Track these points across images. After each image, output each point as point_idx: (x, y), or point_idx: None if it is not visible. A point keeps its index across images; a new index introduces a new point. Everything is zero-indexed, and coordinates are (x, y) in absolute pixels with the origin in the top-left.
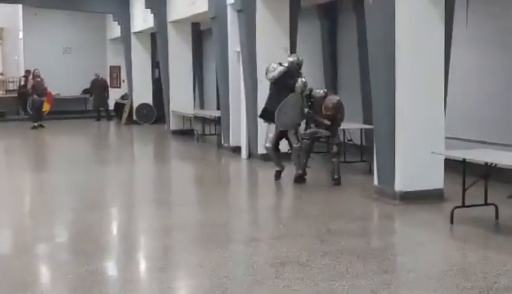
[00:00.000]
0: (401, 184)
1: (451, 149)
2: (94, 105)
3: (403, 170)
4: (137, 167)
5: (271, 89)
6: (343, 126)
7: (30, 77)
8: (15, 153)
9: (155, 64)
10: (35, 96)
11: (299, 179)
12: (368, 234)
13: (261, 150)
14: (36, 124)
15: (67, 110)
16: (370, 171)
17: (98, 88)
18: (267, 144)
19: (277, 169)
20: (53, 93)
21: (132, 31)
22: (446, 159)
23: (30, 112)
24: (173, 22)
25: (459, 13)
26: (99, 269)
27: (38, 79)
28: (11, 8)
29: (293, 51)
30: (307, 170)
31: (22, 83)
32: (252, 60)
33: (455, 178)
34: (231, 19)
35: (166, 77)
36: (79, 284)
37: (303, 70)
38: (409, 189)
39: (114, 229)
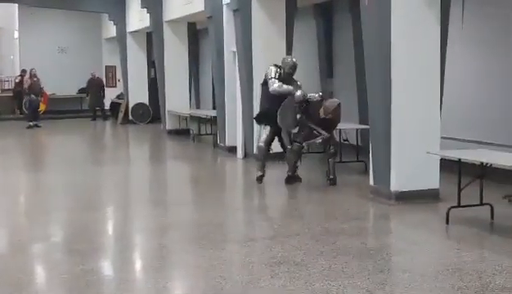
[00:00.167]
0: (396, 184)
1: (447, 149)
2: (90, 105)
3: (399, 170)
4: (133, 167)
5: (263, 90)
6: (339, 126)
7: (27, 76)
8: (11, 153)
9: (151, 64)
10: (32, 96)
11: (289, 180)
12: (364, 234)
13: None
14: (32, 124)
15: (62, 110)
16: (366, 171)
17: (94, 88)
18: (260, 144)
19: (260, 173)
20: (49, 93)
21: (128, 30)
22: (441, 159)
23: (26, 111)
24: (169, 21)
25: (454, 13)
26: (94, 269)
27: (35, 79)
28: (7, 8)
29: (289, 51)
30: (297, 171)
31: (17, 81)
32: (248, 59)
33: (450, 178)
34: (227, 18)
35: (162, 76)
36: (75, 284)
37: (299, 71)
38: (404, 189)
39: (110, 228)
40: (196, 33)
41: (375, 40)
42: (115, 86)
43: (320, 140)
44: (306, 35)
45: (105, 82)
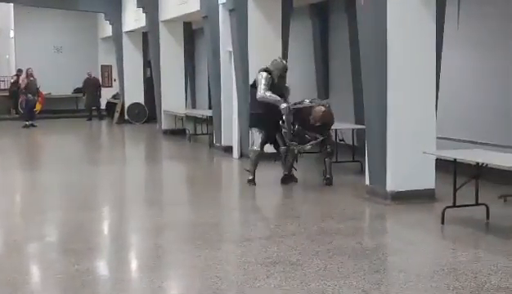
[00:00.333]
0: (392, 184)
1: (443, 149)
2: (86, 104)
3: (395, 170)
4: (129, 167)
5: (252, 93)
6: (335, 126)
7: (23, 75)
8: (7, 153)
9: (147, 64)
10: (29, 95)
11: (285, 179)
12: (359, 234)
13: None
14: (28, 123)
15: (58, 110)
16: (362, 171)
17: (91, 87)
18: (255, 148)
19: (251, 177)
20: (44, 92)
21: (124, 30)
22: (437, 159)
23: (21, 111)
24: (165, 21)
25: (450, 13)
26: (90, 269)
27: (32, 78)
28: (2, 7)
29: (285, 51)
30: (293, 171)
31: (12, 81)
32: (244, 59)
33: (446, 178)
34: (223, 18)
35: (158, 76)
36: (70, 284)
37: (296, 71)
38: (400, 189)
39: (106, 228)
40: (192, 33)
41: (371, 40)
42: (111, 86)
43: (309, 147)
44: (302, 35)
45: (101, 82)
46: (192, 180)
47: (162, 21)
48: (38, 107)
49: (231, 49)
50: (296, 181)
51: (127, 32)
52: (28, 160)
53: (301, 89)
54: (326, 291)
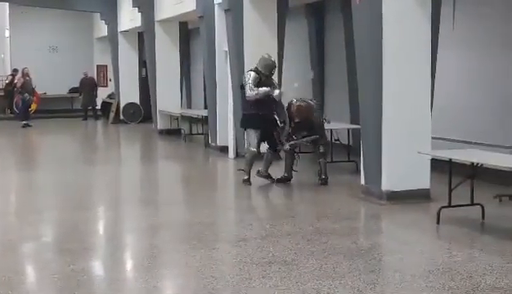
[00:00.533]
0: (387, 184)
1: (438, 149)
2: (83, 104)
3: (390, 170)
4: (124, 167)
5: (242, 94)
6: (331, 126)
7: (19, 75)
8: (2, 153)
9: (142, 64)
10: (26, 95)
11: (281, 179)
12: (355, 234)
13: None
14: (24, 123)
15: (53, 109)
16: (357, 171)
17: (87, 87)
18: (252, 148)
19: (247, 177)
20: (40, 92)
21: (120, 30)
22: (432, 159)
23: (16, 111)
24: (161, 21)
25: (446, 13)
26: (85, 269)
27: (28, 78)
28: None
29: (280, 51)
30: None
31: (7, 81)
32: (239, 59)
33: (441, 178)
34: (219, 18)
35: (153, 76)
36: (65, 283)
37: (292, 70)
38: (395, 189)
39: (101, 228)
40: (188, 33)
41: (367, 40)
42: (107, 86)
43: (288, 148)
44: (297, 35)
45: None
46: (188, 179)
47: (157, 21)
48: (33, 107)
49: (226, 49)
50: (289, 181)
51: (122, 32)
52: (23, 160)
53: (296, 88)
54: (322, 290)
